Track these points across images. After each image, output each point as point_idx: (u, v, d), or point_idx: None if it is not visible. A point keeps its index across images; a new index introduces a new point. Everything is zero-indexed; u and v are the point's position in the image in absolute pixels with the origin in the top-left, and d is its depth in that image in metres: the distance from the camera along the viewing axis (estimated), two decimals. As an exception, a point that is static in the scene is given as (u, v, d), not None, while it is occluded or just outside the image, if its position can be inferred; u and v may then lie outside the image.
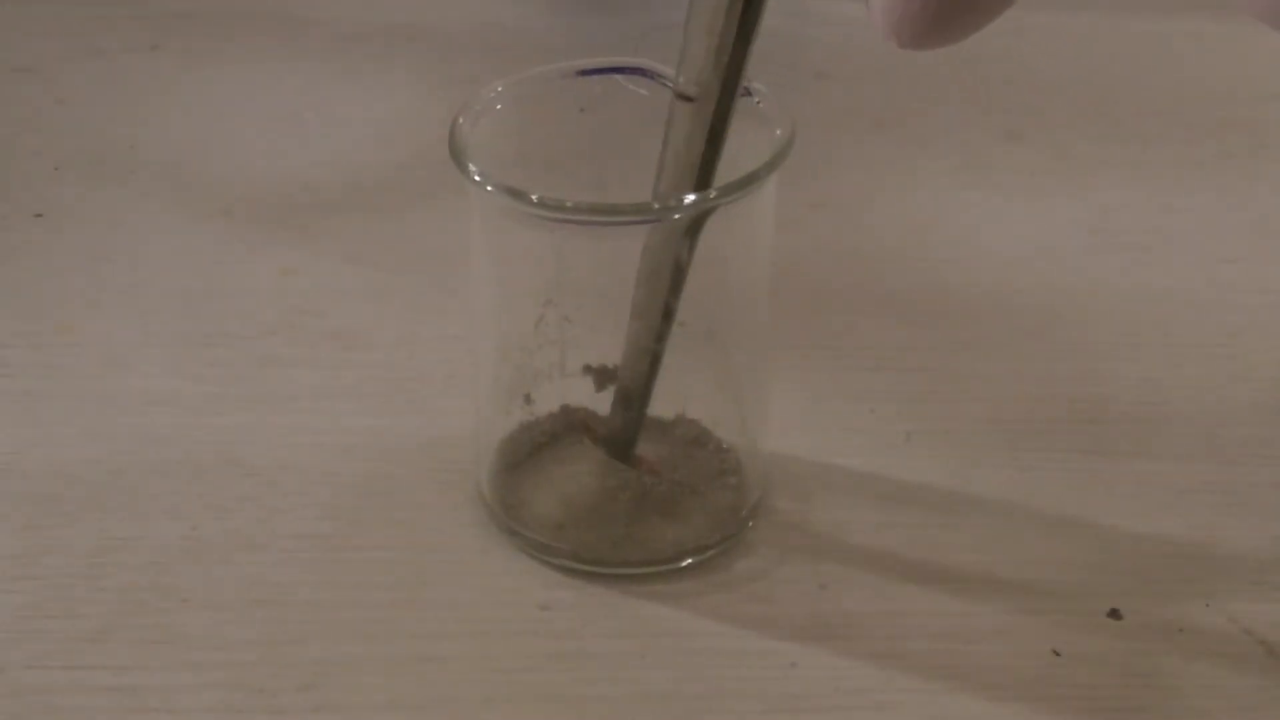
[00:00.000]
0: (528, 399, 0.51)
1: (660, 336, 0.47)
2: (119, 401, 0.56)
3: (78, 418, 0.55)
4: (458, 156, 0.46)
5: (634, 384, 0.48)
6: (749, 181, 0.45)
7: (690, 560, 0.49)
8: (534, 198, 0.44)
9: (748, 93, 0.47)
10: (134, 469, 0.53)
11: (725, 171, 0.45)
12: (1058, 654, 0.47)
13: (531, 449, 0.52)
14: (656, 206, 0.45)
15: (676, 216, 0.45)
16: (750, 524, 0.51)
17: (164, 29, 0.81)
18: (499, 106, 0.48)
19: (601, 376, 0.51)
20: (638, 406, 0.49)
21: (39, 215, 0.66)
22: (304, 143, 0.72)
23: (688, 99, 0.44)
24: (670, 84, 0.45)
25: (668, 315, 0.47)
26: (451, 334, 0.58)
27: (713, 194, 0.45)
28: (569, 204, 0.44)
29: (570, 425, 0.52)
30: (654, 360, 0.48)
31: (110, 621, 0.48)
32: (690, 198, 0.45)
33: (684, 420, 0.52)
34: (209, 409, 0.56)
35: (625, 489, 0.50)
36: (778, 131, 0.46)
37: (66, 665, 0.46)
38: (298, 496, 0.52)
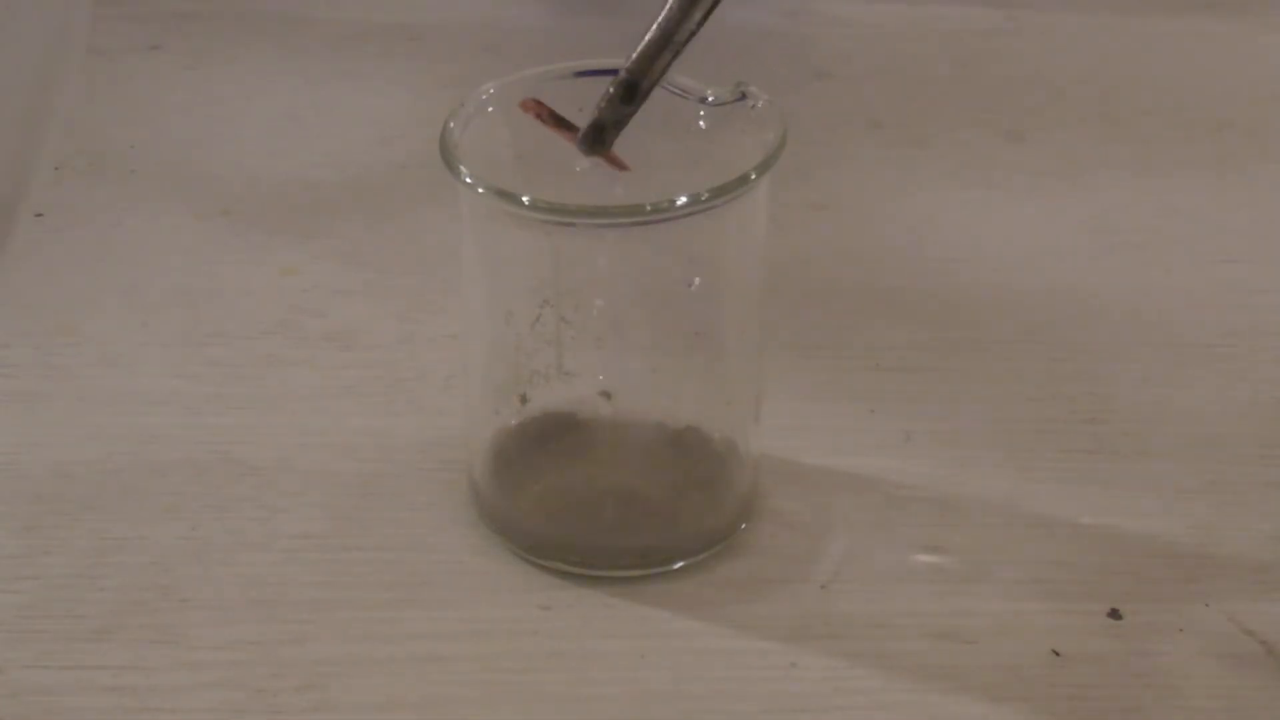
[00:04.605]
0: (524, 399, 0.51)
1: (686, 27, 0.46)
2: (119, 401, 0.56)
3: (78, 418, 0.55)
4: (449, 159, 0.46)
5: (646, 79, 0.46)
6: (741, 183, 0.45)
7: (681, 564, 0.49)
8: (525, 200, 0.44)
9: (743, 96, 0.47)
10: (134, 469, 0.53)
11: (717, 174, 0.45)
12: (1058, 654, 0.47)
13: (525, 449, 0.52)
14: (648, 208, 0.45)
15: (668, 219, 0.45)
16: (743, 526, 0.51)
17: (164, 29, 0.81)
18: (491, 109, 0.48)
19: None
20: (638, 101, 0.47)
21: (39, 215, 0.66)
22: (304, 143, 0.72)
23: None
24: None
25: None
26: (450, 334, 0.58)
27: (705, 195, 0.44)
28: (560, 206, 0.44)
29: (567, 426, 0.52)
30: (674, 54, 0.46)
31: (110, 621, 0.48)
32: (683, 199, 0.44)
33: (680, 424, 0.52)
34: (209, 409, 0.56)
35: (613, 493, 0.50)
36: (769, 134, 0.46)
37: (66, 665, 0.46)
38: (298, 496, 0.52)
